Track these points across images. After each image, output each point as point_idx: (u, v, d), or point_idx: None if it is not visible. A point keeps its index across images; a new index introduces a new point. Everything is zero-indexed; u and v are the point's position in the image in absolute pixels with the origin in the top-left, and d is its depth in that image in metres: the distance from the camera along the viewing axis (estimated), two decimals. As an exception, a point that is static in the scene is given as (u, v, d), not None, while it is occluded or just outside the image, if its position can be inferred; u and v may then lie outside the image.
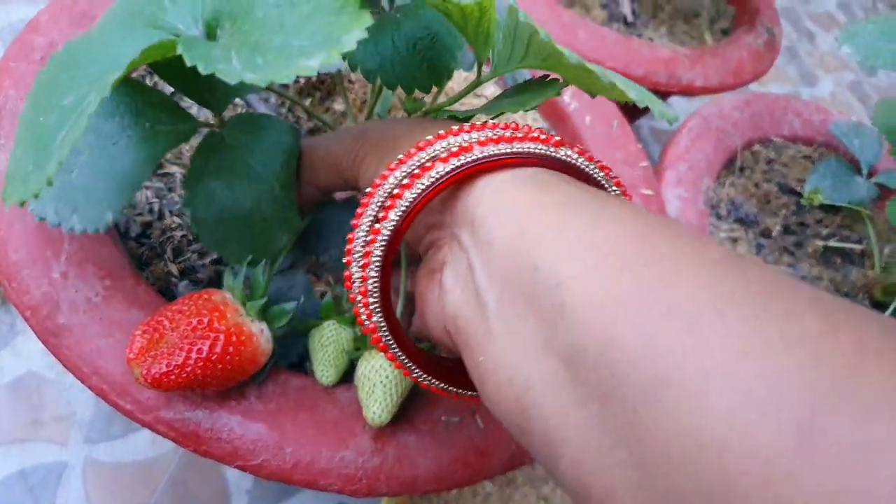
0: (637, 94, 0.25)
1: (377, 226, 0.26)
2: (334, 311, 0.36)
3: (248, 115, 0.35)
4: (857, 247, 0.67)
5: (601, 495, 0.19)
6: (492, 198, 0.24)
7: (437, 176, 0.25)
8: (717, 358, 0.17)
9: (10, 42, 0.82)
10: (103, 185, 0.31)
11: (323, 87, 0.50)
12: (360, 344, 0.36)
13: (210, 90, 0.34)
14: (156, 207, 0.40)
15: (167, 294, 0.38)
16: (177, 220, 0.40)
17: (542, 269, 0.21)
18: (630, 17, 0.80)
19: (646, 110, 0.98)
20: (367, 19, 0.23)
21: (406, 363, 0.28)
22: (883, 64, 0.55)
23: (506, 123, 0.27)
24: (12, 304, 0.33)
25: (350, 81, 0.52)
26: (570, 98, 0.57)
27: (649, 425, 0.17)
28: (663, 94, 0.75)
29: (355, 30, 0.23)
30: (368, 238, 0.26)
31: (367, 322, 0.27)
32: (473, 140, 0.25)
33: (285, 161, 0.35)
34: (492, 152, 0.25)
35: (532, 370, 0.21)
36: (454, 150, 0.25)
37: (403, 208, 0.25)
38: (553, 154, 0.26)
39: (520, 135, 0.26)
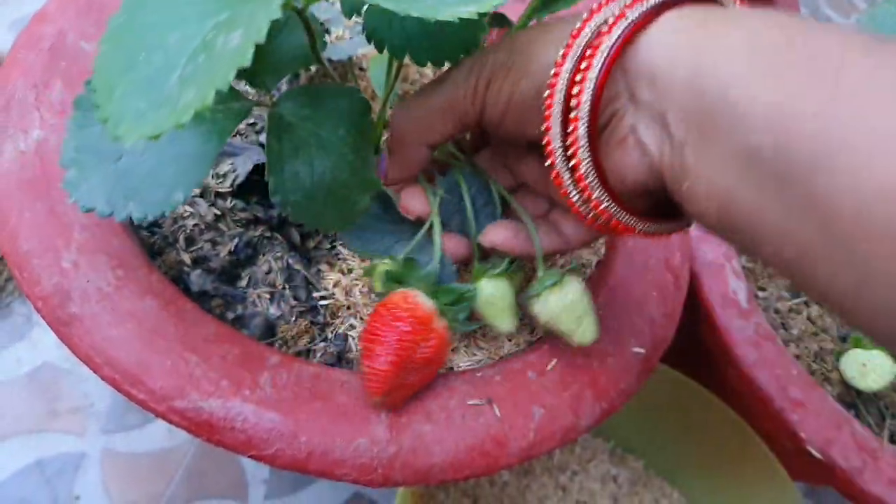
0: None
1: (576, 90, 0.28)
2: (484, 272, 0.37)
3: (301, 89, 0.34)
4: None
5: (795, 257, 0.23)
6: (657, 50, 0.27)
7: (609, 46, 0.27)
8: (879, 124, 0.20)
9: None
10: (173, 169, 0.30)
11: (335, 74, 0.49)
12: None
13: (261, 68, 0.34)
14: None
15: (180, 282, 0.37)
16: (189, 209, 0.39)
17: (717, 93, 0.24)
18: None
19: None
20: None
21: (615, 211, 0.30)
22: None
23: None
24: (24, 293, 0.33)
25: (361, 69, 0.51)
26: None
27: (823, 188, 0.21)
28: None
29: None
30: (572, 104, 0.28)
31: (572, 190, 0.30)
32: (622, 5, 0.27)
33: (351, 125, 0.34)
34: (646, 7, 0.27)
35: (724, 180, 0.25)
36: (611, 21, 0.27)
37: (594, 81, 0.27)
38: None
39: None
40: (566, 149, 0.29)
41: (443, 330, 0.34)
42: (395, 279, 0.35)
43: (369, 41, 0.33)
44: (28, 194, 0.35)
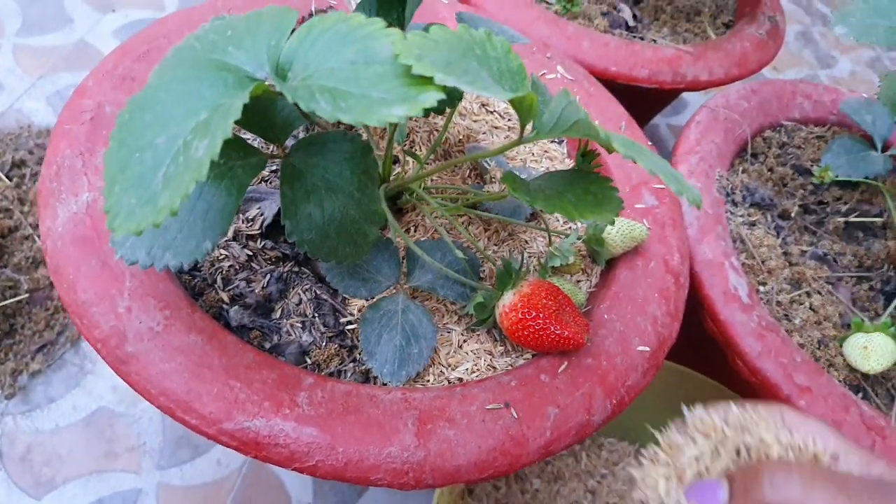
0: (653, 166, 0.31)
1: None
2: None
3: (309, 139, 0.38)
4: (878, 220, 0.68)
5: None
6: None
7: None
8: None
9: (56, 106, 0.88)
10: (202, 222, 0.35)
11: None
12: None
13: (271, 126, 0.38)
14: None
15: (220, 318, 0.42)
16: (223, 252, 0.44)
17: None
18: (631, 22, 0.83)
19: (658, 110, 1.00)
20: (439, 88, 0.28)
21: None
22: (877, 40, 0.57)
23: None
24: (85, 338, 0.38)
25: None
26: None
27: None
28: (670, 93, 0.78)
29: (432, 91, 0.28)
30: None
31: None
32: None
33: (355, 166, 0.38)
34: None
35: None
36: None
37: None
38: None
39: None
40: None
41: (554, 284, 0.44)
42: (484, 303, 0.45)
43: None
44: (82, 250, 0.39)
